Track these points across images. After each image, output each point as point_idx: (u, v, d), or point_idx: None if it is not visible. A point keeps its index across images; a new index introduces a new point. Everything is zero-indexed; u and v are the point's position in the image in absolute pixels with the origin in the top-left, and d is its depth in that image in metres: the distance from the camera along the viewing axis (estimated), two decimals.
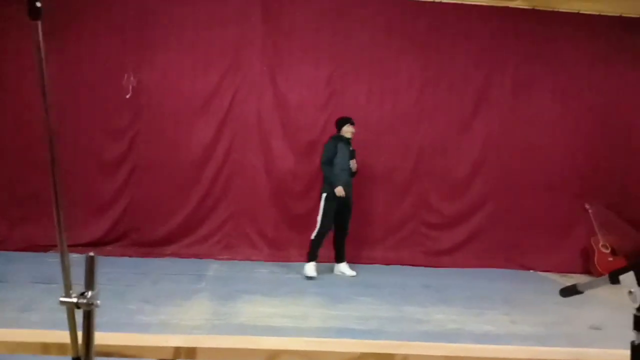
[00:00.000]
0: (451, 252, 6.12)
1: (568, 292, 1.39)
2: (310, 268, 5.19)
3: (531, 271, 6.09)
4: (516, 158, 6.20)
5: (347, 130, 5.39)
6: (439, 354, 1.63)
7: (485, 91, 6.17)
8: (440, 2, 6.01)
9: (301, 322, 3.83)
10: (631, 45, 6.21)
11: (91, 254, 1.18)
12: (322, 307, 4.23)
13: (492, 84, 6.17)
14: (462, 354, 1.67)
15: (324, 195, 5.27)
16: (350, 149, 5.38)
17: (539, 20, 6.11)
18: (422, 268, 5.87)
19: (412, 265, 5.92)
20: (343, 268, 5.41)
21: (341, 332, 3.58)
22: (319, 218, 5.23)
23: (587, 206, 6.16)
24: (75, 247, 5.00)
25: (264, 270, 5.41)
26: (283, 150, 6.01)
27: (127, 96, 5.73)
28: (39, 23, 1.04)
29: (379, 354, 1.58)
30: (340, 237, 5.40)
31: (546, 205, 6.20)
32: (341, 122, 5.45)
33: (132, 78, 5.72)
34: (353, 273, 5.35)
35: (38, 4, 1.02)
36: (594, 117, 6.26)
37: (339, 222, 5.32)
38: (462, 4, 6.04)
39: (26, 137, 5.51)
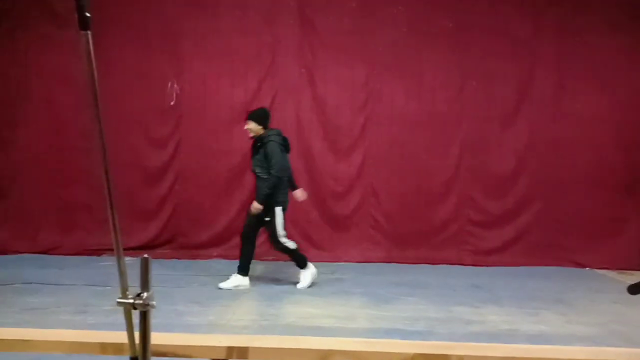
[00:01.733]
0: (499, 250, 5.94)
1: (637, 289, 1.30)
2: (305, 276, 4.76)
3: (587, 269, 5.83)
4: (563, 152, 5.95)
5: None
6: (497, 355, 1.57)
7: (527, 85, 5.96)
8: None
9: (348, 323, 3.80)
10: None
11: (145, 255, 1.20)
12: (369, 307, 4.18)
13: (534, 78, 5.95)
14: (519, 355, 1.60)
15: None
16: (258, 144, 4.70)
17: (578, 8, 5.85)
18: (470, 267, 5.73)
19: (460, 264, 5.79)
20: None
21: (389, 333, 3.52)
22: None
23: None
24: (125, 250, 5.12)
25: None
26: (323, 151, 6.01)
27: (172, 103, 5.87)
28: (89, 33, 1.05)
29: (433, 354, 1.54)
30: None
31: (597, 200, 5.92)
32: (267, 114, 4.86)
33: (175, 85, 5.86)
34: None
35: (87, 14, 1.04)
36: None
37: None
38: None
39: (76, 146, 5.76)
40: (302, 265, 4.76)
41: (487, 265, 5.77)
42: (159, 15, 5.85)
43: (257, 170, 4.64)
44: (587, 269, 5.83)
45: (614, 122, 5.92)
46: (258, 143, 4.66)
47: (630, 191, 5.92)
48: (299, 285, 4.72)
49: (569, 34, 5.90)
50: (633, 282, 1.37)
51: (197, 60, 5.89)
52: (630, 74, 5.92)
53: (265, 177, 4.55)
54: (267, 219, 4.62)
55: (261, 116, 4.74)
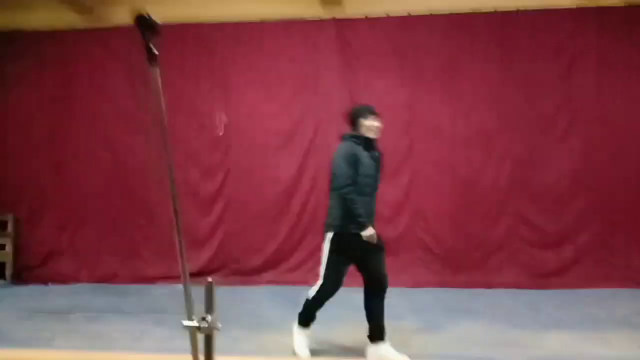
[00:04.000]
0: (558, 272, 5.66)
1: None
2: (298, 339, 3.58)
3: None
4: (621, 167, 5.67)
5: (371, 126, 3.52)
6: None
7: (582, 98, 5.74)
8: (517, 11, 5.76)
9: (401, 349, 3.71)
10: None
11: (209, 279, 1.24)
12: (422, 332, 4.08)
13: (589, 91, 5.73)
14: None
15: (330, 235, 3.49)
16: (376, 154, 3.57)
17: (616, 15, 5.66)
18: (527, 290, 5.47)
19: (516, 287, 5.55)
20: (383, 350, 3.45)
21: (445, 359, 3.42)
22: (323, 269, 3.60)
23: None
24: (177, 278, 5.28)
25: (359, 296, 5.34)
26: None
27: (220, 134, 6.07)
28: (157, 69, 1.13)
29: None
30: (369, 294, 3.60)
31: None
32: (357, 113, 3.59)
33: (223, 116, 6.07)
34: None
35: (156, 52, 1.11)
36: None
37: (363, 269, 3.62)
38: (543, 9, 5.74)
39: (130, 177, 6.05)
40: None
41: (546, 288, 5.51)
42: (208, 48, 6.11)
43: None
44: None
45: None
46: (376, 152, 3.58)
47: None
48: None
49: (613, 42, 5.68)
50: None
51: (243, 92, 6.10)
52: None
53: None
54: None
55: None
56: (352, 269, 3.71)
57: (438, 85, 5.91)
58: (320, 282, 3.60)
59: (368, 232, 3.41)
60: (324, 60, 6.04)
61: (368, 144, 3.51)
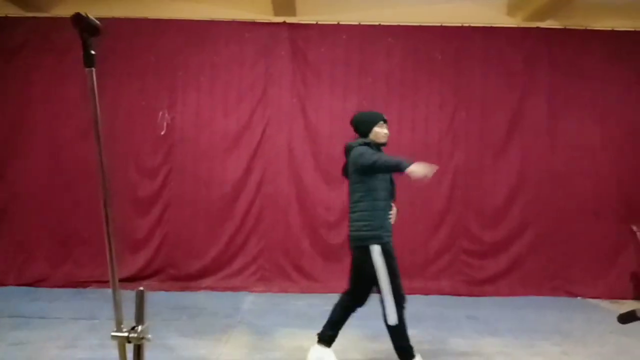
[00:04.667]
0: (494, 280, 5.90)
1: (627, 318, 1.30)
2: None
3: (579, 298, 5.81)
4: (556, 182, 6.00)
5: (380, 132, 3.48)
6: None
7: (519, 114, 6.04)
8: (469, 26, 5.99)
9: (342, 356, 3.71)
10: None
11: (141, 288, 1.18)
12: (363, 340, 4.10)
13: (527, 107, 6.03)
14: None
15: (376, 248, 3.26)
16: None
17: (571, 39, 6.02)
18: (465, 298, 5.67)
19: (454, 295, 5.74)
20: (325, 355, 3.47)
21: None
22: (384, 285, 3.27)
23: (634, 228, 5.89)
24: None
25: (300, 303, 5.32)
26: (315, 181, 6.01)
27: (162, 133, 5.88)
28: (93, 70, 1.08)
29: None
30: (344, 303, 3.56)
31: (590, 230, 5.94)
32: (368, 119, 3.53)
33: (166, 115, 5.88)
34: None
35: (92, 52, 1.07)
36: (636, 137, 6.04)
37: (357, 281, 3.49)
38: (490, 27, 6.01)
39: (66, 178, 5.74)
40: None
41: (482, 296, 5.73)
42: (154, 46, 5.91)
43: None
44: (579, 298, 5.81)
45: (608, 152, 6.01)
46: None
47: (623, 221, 5.96)
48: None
49: (562, 65, 6.01)
50: (623, 312, 1.36)
51: (190, 92, 5.94)
52: (624, 105, 6.02)
53: None
54: None
55: None
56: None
57: (386, 95, 6.00)
58: (389, 301, 3.29)
59: (415, 166, 3.12)
60: (274, 64, 6.00)
61: (379, 151, 3.44)
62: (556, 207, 5.98)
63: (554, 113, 6.03)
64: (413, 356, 3.31)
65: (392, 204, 3.46)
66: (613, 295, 5.78)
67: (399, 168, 3.16)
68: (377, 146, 3.46)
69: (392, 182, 3.48)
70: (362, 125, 3.50)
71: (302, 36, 6.01)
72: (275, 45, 5.99)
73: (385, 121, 3.54)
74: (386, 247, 3.30)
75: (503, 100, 6.03)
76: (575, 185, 5.99)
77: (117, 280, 1.13)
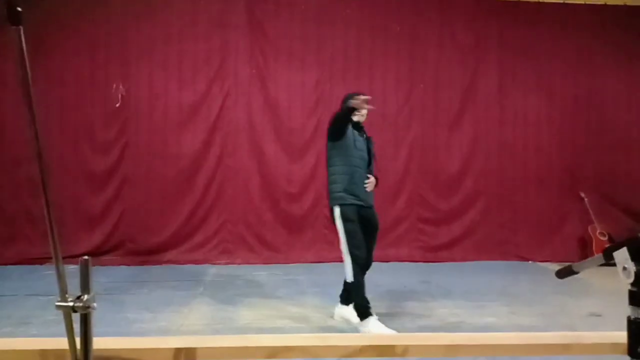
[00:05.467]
0: (448, 246, 6.15)
1: (564, 273, 1.40)
2: (373, 325, 3.46)
3: (529, 262, 6.12)
4: (506, 153, 6.27)
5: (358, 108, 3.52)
6: (440, 344, 1.62)
7: (472, 87, 6.22)
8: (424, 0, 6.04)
9: (302, 323, 3.82)
10: (615, 36, 6.27)
11: (85, 257, 1.17)
12: (323, 307, 4.21)
13: (478, 80, 6.22)
14: (463, 342, 1.67)
15: (337, 210, 3.57)
16: (365, 137, 3.74)
17: (523, 12, 6.16)
18: (421, 264, 5.89)
19: (410, 261, 5.94)
20: (346, 313, 3.75)
21: (342, 331, 3.57)
22: (342, 245, 3.55)
23: (582, 195, 6.21)
24: (70, 258, 4.93)
25: (263, 273, 5.39)
26: (276, 153, 6.01)
27: (117, 105, 5.72)
28: (21, 28, 1.02)
29: (379, 346, 1.58)
30: None
31: (538, 198, 6.27)
32: (345, 98, 3.62)
33: (121, 87, 5.71)
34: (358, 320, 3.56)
35: (18, 9, 1.01)
36: (580, 110, 6.33)
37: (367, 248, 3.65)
38: (445, 0, 6.07)
39: (12, 154, 5.50)
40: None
41: (437, 262, 5.95)
42: (105, 16, 5.69)
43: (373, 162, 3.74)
44: (530, 262, 6.12)
45: (554, 124, 6.30)
46: (364, 135, 3.73)
47: (568, 189, 6.28)
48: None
49: (511, 40, 6.19)
50: (560, 268, 1.47)
51: (144, 64, 5.77)
52: (567, 79, 6.29)
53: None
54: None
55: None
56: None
57: (346, 70, 6.03)
58: (346, 260, 3.53)
59: (354, 101, 3.39)
60: (231, 35, 5.88)
61: (355, 126, 3.65)
62: (506, 176, 6.25)
63: (503, 87, 6.21)
64: (369, 315, 3.49)
65: (368, 173, 3.66)
66: (561, 258, 6.10)
67: (346, 110, 3.44)
68: (356, 124, 3.68)
69: (369, 152, 3.70)
70: (342, 104, 3.63)
71: (259, 6, 5.90)
72: (232, 16, 5.87)
73: (364, 99, 3.61)
74: (345, 210, 3.53)
75: (456, 74, 6.16)
76: (523, 155, 6.28)
77: (58, 250, 1.12)
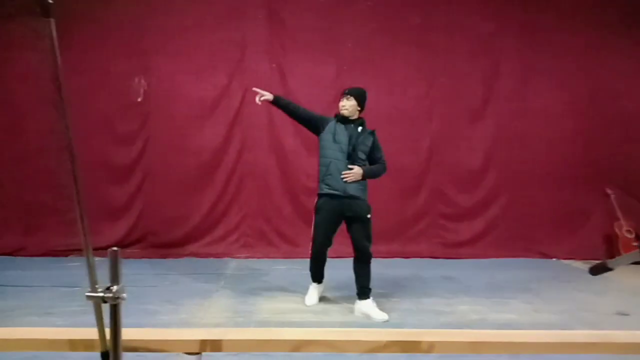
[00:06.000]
0: (470, 243, 6.08)
1: (598, 269, 1.37)
2: (309, 292, 4.12)
3: (553, 259, 6.02)
4: (529, 147, 6.14)
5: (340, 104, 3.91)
6: (465, 340, 1.61)
7: (493, 78, 6.12)
8: None
9: (323, 317, 3.82)
10: (629, 27, 6.09)
11: (114, 248, 1.19)
12: (343, 301, 4.21)
13: (500, 71, 6.11)
14: (487, 340, 1.65)
15: (315, 201, 3.96)
16: (356, 129, 3.90)
17: (542, 7, 6.03)
18: (441, 260, 5.84)
19: (431, 257, 5.90)
20: (364, 307, 3.82)
21: (362, 326, 3.56)
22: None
23: (608, 191, 6.08)
24: (93, 250, 4.99)
25: (282, 267, 5.41)
26: (295, 147, 6.00)
27: (139, 99, 5.77)
28: (52, 20, 1.02)
29: (404, 341, 1.57)
30: (354, 261, 3.94)
31: (562, 193, 6.14)
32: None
33: (142, 81, 5.76)
34: (384, 317, 3.71)
35: (50, 1, 1.01)
36: (607, 102, 6.17)
37: (352, 238, 3.90)
38: None
39: (38, 146, 5.60)
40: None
41: (458, 258, 5.90)
42: (125, 10, 5.71)
43: (360, 154, 3.86)
44: (553, 259, 6.02)
45: (577, 118, 6.14)
46: (358, 127, 3.92)
47: (592, 184, 6.14)
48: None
49: (532, 31, 6.06)
50: (593, 264, 1.43)
51: (164, 57, 5.79)
52: (591, 71, 6.12)
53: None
54: (368, 215, 3.87)
55: (364, 97, 4.01)
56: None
57: (365, 63, 5.97)
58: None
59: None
60: (250, 28, 5.87)
61: (343, 119, 3.96)
62: (528, 171, 6.13)
63: (525, 78, 6.10)
64: (313, 281, 4.14)
65: (351, 165, 3.83)
66: (585, 256, 5.97)
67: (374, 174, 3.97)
68: (343, 118, 3.97)
69: (354, 144, 3.85)
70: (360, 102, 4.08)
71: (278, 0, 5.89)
72: (250, 7, 5.86)
73: (343, 94, 4.02)
74: (319, 201, 3.92)
75: (477, 65, 6.06)
76: (546, 150, 6.14)
77: (89, 241, 1.13)
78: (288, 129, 5.99)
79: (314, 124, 4.00)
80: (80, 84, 5.50)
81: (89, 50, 5.63)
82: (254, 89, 4.02)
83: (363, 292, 3.85)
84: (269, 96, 3.97)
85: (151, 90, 5.79)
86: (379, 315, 3.74)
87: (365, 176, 3.85)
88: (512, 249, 6.06)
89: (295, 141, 6.00)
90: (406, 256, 5.88)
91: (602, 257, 6.04)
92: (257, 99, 3.98)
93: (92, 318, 1.21)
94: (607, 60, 6.14)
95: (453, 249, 6.02)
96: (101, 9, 5.68)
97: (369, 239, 3.87)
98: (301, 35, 5.93)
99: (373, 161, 3.94)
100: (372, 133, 3.97)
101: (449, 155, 6.10)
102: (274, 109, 5.92)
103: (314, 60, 5.94)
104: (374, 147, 3.94)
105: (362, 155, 3.87)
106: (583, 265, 5.72)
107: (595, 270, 1.38)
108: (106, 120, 5.74)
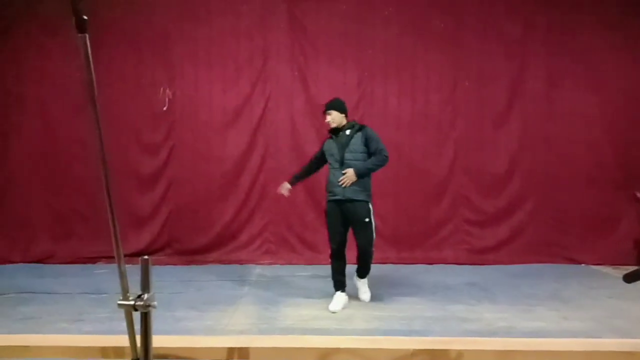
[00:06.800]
0: (495, 249, 5.97)
1: (633, 277, 1.33)
2: (335, 299, 4.21)
3: (582, 265, 5.88)
4: (555, 150, 6.01)
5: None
6: (494, 349, 1.58)
7: (518, 82, 6.01)
8: None
9: (346, 324, 3.81)
10: None
11: (145, 257, 1.21)
12: (366, 308, 4.19)
13: (525, 74, 6.00)
14: (517, 348, 1.62)
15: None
16: (348, 135, 4.20)
17: (570, 7, 5.93)
18: (466, 266, 5.75)
19: (456, 264, 5.82)
20: (358, 283, 4.44)
21: (387, 333, 3.54)
22: None
23: (638, 195, 5.92)
24: None
25: (305, 274, 5.42)
26: None
27: (164, 108, 5.87)
28: (87, 36, 1.05)
29: (432, 350, 1.55)
30: (357, 257, 4.32)
31: (589, 198, 5.98)
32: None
33: (167, 91, 5.86)
34: (365, 298, 4.37)
35: (85, 17, 1.04)
36: (634, 104, 6.00)
37: (355, 240, 4.23)
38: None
39: (69, 154, 5.75)
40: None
41: (483, 264, 5.80)
42: (149, 20, 5.84)
43: (350, 157, 4.13)
44: (582, 265, 5.88)
45: (606, 120, 5.99)
46: (347, 132, 4.20)
47: (622, 188, 5.98)
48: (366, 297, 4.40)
49: (560, 33, 5.95)
50: (628, 271, 1.39)
51: (189, 66, 5.89)
52: (621, 71, 5.97)
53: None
54: (367, 219, 4.13)
55: (342, 105, 4.29)
56: None
57: (388, 68, 5.95)
58: None
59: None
60: (273, 37, 5.93)
61: (334, 131, 4.32)
62: (555, 175, 6.00)
63: (551, 81, 5.99)
64: (336, 290, 4.25)
65: (343, 170, 4.13)
66: (615, 261, 5.82)
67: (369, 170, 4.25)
68: (332, 130, 4.31)
69: (340, 149, 4.17)
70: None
71: (300, 7, 5.93)
72: (274, 16, 5.91)
73: (323, 112, 4.32)
74: (327, 207, 4.29)
75: (502, 68, 5.98)
76: (574, 153, 5.99)
77: (121, 250, 1.16)
78: (310, 136, 6.01)
79: (323, 158, 4.37)
80: (109, 94, 5.63)
81: (116, 58, 5.76)
82: (279, 191, 4.62)
83: (359, 273, 4.39)
84: (288, 185, 4.55)
85: (176, 99, 5.89)
86: (364, 294, 4.38)
87: (359, 175, 4.08)
88: (539, 254, 5.93)
89: (317, 148, 6.00)
90: (430, 262, 5.82)
91: (633, 263, 5.86)
92: (283, 193, 4.57)
93: (120, 325, 1.24)
94: (632, 58, 5.98)
95: (478, 255, 5.93)
96: (127, 21, 5.80)
97: (369, 241, 4.15)
98: (323, 42, 5.95)
99: (372, 154, 4.15)
100: (362, 129, 4.20)
101: (473, 160, 6.02)
102: (297, 116, 6.02)
103: (336, 67, 5.95)
104: (369, 141, 4.14)
105: (359, 156, 4.13)
106: (613, 271, 5.58)
107: (630, 278, 1.34)
108: (133, 129, 5.86)
